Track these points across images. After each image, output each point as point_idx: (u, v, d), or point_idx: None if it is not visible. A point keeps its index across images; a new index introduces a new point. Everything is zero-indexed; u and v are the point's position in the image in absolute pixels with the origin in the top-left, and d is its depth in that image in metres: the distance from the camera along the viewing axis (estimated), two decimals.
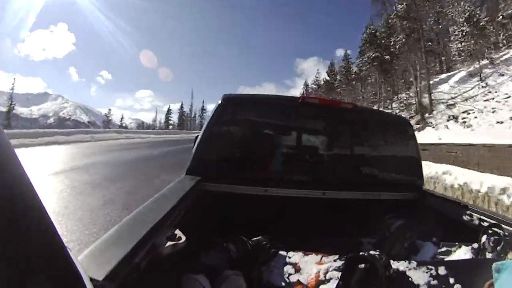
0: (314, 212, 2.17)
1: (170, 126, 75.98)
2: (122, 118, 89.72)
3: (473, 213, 1.88)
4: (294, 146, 2.52)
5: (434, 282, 1.26)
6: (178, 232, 1.16)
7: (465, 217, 1.90)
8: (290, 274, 1.44)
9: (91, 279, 0.68)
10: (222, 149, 2.44)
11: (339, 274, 1.31)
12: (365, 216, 2.21)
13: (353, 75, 46.13)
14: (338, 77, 50.45)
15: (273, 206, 2.18)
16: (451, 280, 1.24)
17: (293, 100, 2.51)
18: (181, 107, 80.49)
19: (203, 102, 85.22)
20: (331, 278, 1.34)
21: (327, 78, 54.61)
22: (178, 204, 1.48)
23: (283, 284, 1.43)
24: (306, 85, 73.26)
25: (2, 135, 0.39)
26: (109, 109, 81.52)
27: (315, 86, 62.53)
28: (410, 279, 1.30)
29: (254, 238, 1.69)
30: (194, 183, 1.93)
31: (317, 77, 63.81)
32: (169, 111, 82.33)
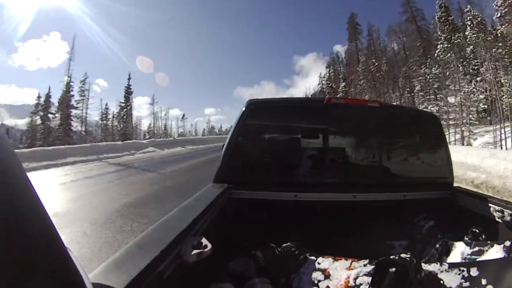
0: (344, 216, 2.14)
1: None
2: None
3: (504, 209, 1.81)
4: (322, 149, 2.49)
5: (466, 284, 1.24)
6: (204, 241, 1.18)
7: (496, 214, 1.84)
8: (319, 281, 1.44)
9: None
10: (249, 156, 2.45)
11: (369, 279, 1.31)
12: (396, 218, 2.16)
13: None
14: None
15: (302, 211, 2.16)
16: (483, 281, 1.22)
17: (318, 101, 2.51)
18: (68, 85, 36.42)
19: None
20: (361, 284, 1.34)
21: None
22: (204, 213, 1.49)
23: None
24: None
25: (3, 137, 0.40)
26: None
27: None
28: (441, 281, 1.28)
29: (283, 245, 1.69)
30: (221, 191, 1.94)
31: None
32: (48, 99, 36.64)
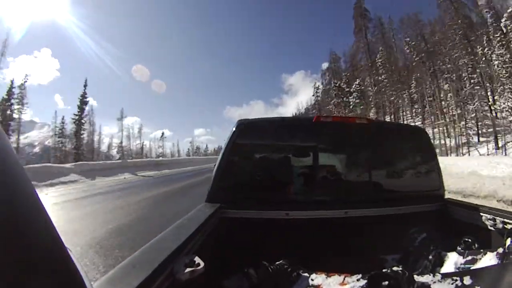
0: (336, 232, 2.14)
1: None
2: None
3: (496, 217, 1.83)
4: (313, 167, 2.52)
5: None
6: (197, 259, 1.17)
7: (488, 222, 1.86)
8: None
9: None
10: (241, 175, 2.47)
11: None
12: (388, 232, 2.16)
13: None
14: None
15: (294, 228, 2.17)
16: None
17: (308, 120, 2.55)
18: None
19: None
20: None
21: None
22: (197, 232, 1.49)
23: None
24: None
25: (3, 137, 0.40)
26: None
27: None
28: None
29: (276, 263, 1.67)
30: (214, 210, 1.95)
31: None
32: None
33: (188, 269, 1.11)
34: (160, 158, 41.41)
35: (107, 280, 0.87)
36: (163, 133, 61.81)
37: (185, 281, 1.09)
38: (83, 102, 37.29)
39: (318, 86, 62.76)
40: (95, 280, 0.87)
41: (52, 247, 0.41)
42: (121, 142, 48.36)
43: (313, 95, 63.99)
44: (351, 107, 41.88)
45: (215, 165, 2.41)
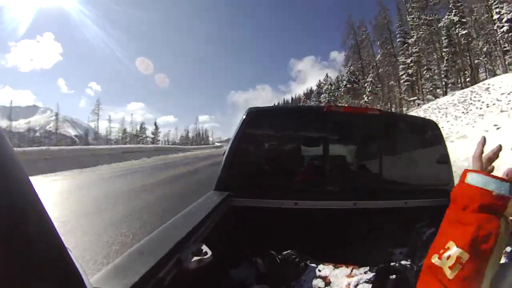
0: (345, 223, 2.14)
1: None
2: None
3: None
4: (323, 157, 2.51)
5: None
6: (204, 247, 1.17)
7: None
8: None
9: None
10: (250, 163, 2.46)
11: (369, 286, 1.31)
12: (396, 225, 2.15)
13: None
14: None
15: (303, 218, 2.16)
16: None
17: (318, 109, 2.53)
18: None
19: None
20: None
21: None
22: (205, 220, 1.49)
23: None
24: None
25: (3, 136, 0.39)
26: None
27: None
28: None
29: (284, 252, 1.68)
30: (222, 199, 1.94)
31: None
32: None
33: (195, 258, 1.10)
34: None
35: (114, 268, 0.87)
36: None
37: (193, 270, 1.09)
38: None
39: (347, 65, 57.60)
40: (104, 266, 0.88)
41: (52, 247, 0.40)
42: None
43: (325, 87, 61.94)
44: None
45: (224, 153, 2.39)
